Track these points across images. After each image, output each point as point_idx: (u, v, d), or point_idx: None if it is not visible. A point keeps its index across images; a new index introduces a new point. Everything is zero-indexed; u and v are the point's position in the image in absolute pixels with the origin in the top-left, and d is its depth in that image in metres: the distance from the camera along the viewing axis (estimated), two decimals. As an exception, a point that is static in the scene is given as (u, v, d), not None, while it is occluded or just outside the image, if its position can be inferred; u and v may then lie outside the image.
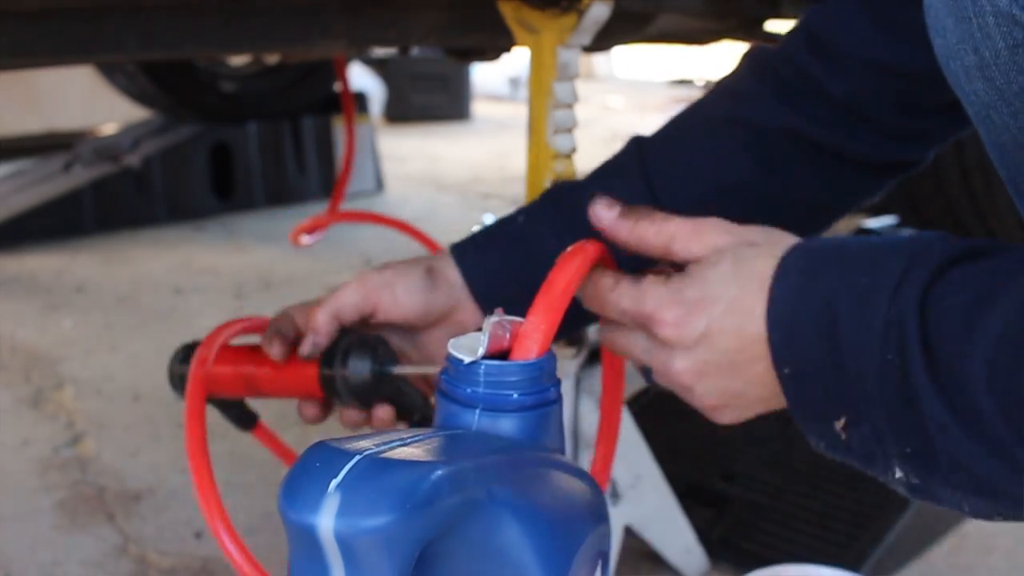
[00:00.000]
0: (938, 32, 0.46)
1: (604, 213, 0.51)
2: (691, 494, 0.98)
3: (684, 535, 0.91)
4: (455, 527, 0.38)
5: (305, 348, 0.60)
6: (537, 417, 0.44)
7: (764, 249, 0.47)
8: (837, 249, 0.46)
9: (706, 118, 0.65)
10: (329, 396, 0.62)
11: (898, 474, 0.44)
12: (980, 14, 0.43)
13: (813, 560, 0.85)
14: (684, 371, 0.48)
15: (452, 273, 0.62)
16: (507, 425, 0.43)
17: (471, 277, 0.62)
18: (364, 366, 0.59)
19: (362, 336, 0.60)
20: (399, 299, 0.60)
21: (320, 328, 0.59)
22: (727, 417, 0.50)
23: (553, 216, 0.64)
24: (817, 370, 0.44)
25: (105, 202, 2.34)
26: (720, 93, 0.65)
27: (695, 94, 5.50)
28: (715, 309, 0.46)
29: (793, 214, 0.62)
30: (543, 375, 0.45)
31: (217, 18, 0.90)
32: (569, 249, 0.50)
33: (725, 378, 0.47)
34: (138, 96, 2.51)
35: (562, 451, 0.47)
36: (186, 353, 0.71)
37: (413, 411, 0.62)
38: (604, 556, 0.46)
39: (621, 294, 0.49)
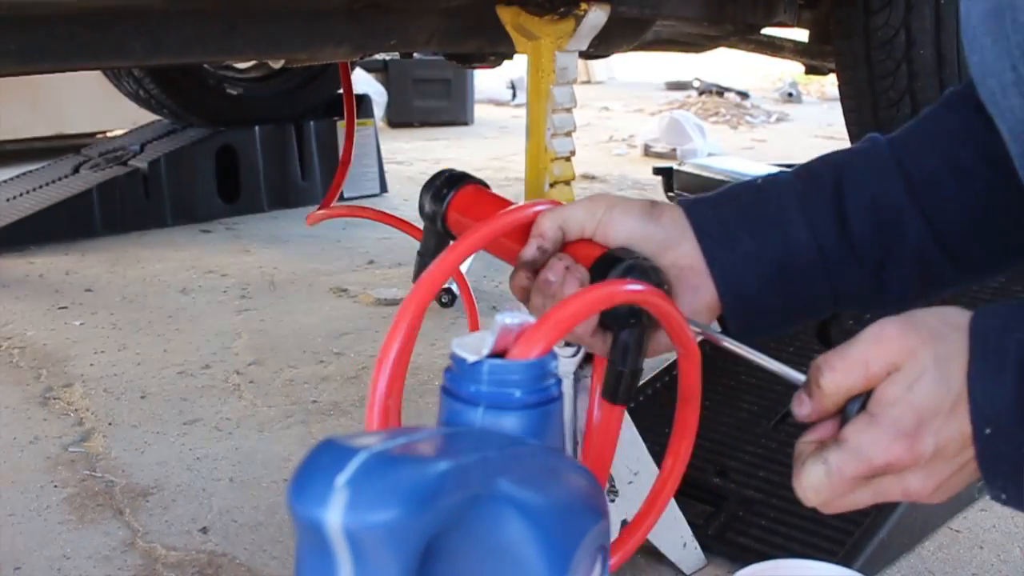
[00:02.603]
0: (975, 50, 0.47)
1: (802, 411, 0.50)
2: (687, 490, 0.99)
3: (680, 530, 0.92)
4: (459, 522, 0.39)
5: (529, 251, 0.59)
6: (539, 415, 0.45)
7: (957, 336, 0.47)
8: (1020, 305, 0.46)
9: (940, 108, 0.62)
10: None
11: None
12: (1018, 31, 0.44)
13: (807, 555, 0.86)
14: (922, 489, 0.48)
15: (675, 210, 0.61)
16: (510, 422, 0.44)
17: (693, 213, 0.60)
18: (630, 351, 0.56)
19: (636, 263, 0.57)
20: (622, 220, 0.59)
21: (546, 233, 0.59)
22: (937, 499, 0.50)
23: (793, 183, 0.61)
24: (1017, 422, 0.44)
25: (113, 204, 2.36)
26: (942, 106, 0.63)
27: (692, 97, 5.48)
28: (936, 424, 0.46)
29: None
30: (545, 374, 0.46)
31: (223, 24, 0.92)
32: (615, 282, 0.53)
33: (955, 478, 0.48)
34: (145, 100, 2.53)
35: (563, 448, 0.48)
36: (441, 189, 0.70)
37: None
38: (604, 551, 0.47)
39: (842, 468, 0.47)
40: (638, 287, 0.54)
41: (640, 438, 0.89)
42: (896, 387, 0.46)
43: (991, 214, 0.59)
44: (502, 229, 0.61)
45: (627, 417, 0.90)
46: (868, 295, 0.59)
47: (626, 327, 0.57)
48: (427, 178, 0.74)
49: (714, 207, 0.61)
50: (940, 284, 0.62)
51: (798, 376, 0.52)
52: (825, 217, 0.59)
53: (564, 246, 0.60)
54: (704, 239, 0.59)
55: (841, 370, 0.48)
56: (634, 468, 0.88)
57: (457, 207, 0.69)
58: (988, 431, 0.45)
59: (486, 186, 0.72)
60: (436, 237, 0.72)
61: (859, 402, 0.48)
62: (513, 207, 0.63)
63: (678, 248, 0.59)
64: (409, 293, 0.53)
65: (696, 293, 0.60)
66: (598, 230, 0.59)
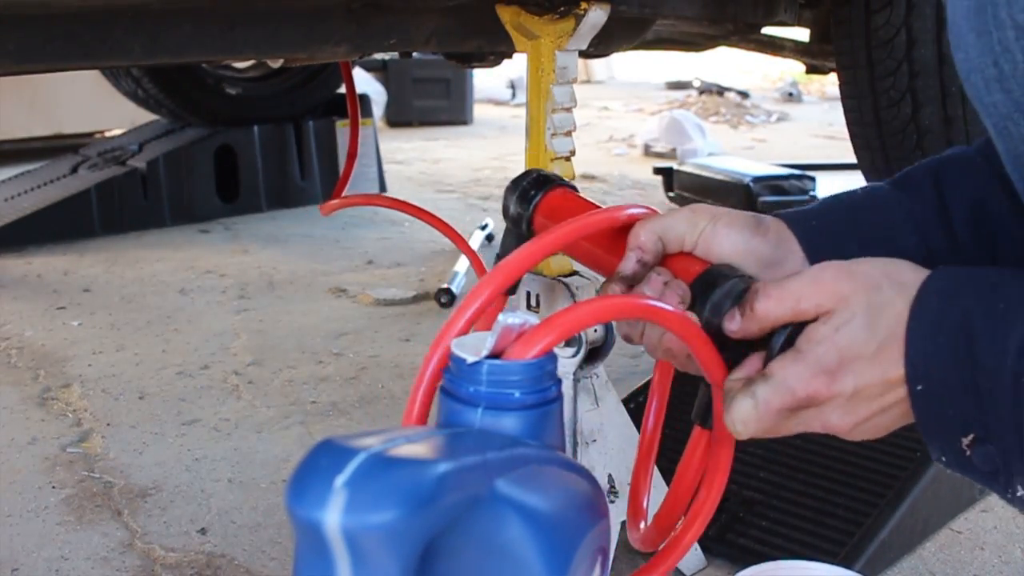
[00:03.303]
0: (960, 47, 0.48)
1: (732, 326, 0.52)
2: (687, 491, 0.99)
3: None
4: (458, 523, 0.39)
5: (628, 265, 0.56)
6: (538, 415, 0.45)
7: (893, 290, 0.48)
8: (976, 274, 0.47)
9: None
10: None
11: (1020, 492, 0.46)
12: (1000, 27, 0.45)
13: (808, 556, 0.86)
14: (840, 424, 0.50)
15: (779, 224, 0.60)
16: (509, 423, 0.44)
17: (797, 226, 0.59)
18: (725, 308, 0.53)
19: (741, 282, 0.54)
20: (726, 234, 0.56)
21: (645, 245, 0.56)
22: (857, 436, 0.51)
23: (894, 190, 0.61)
24: (949, 387, 0.46)
25: (111, 204, 2.36)
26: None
27: (692, 97, 5.48)
28: (858, 366, 0.48)
29: None
30: (545, 375, 0.45)
31: (221, 24, 0.92)
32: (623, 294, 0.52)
33: (877, 419, 0.50)
34: (144, 100, 2.53)
35: (563, 448, 0.48)
36: (528, 190, 0.65)
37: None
38: (604, 552, 0.47)
39: (769, 400, 0.49)
40: (664, 306, 0.51)
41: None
42: (824, 328, 0.49)
43: None
44: (591, 228, 0.57)
45: (627, 417, 0.90)
46: None
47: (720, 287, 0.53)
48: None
49: (819, 220, 0.60)
50: None
51: None
52: (932, 223, 0.59)
53: (663, 260, 0.57)
54: (811, 251, 0.58)
55: (775, 299, 0.50)
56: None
57: (544, 211, 0.65)
58: (919, 387, 0.47)
59: (576, 190, 0.68)
60: (519, 241, 0.66)
61: (783, 335, 0.51)
62: (605, 208, 0.59)
63: (785, 264, 0.58)
64: (483, 279, 0.51)
65: None
66: (699, 243, 0.57)
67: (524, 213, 0.66)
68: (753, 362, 0.52)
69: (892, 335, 0.48)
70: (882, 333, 0.48)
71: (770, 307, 0.50)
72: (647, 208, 0.60)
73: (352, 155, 1.70)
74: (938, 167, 0.61)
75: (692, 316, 0.53)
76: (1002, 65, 0.45)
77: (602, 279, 0.60)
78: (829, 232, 0.59)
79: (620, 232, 0.59)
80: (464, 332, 0.49)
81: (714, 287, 0.53)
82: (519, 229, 0.66)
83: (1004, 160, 0.50)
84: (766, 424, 0.50)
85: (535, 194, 0.66)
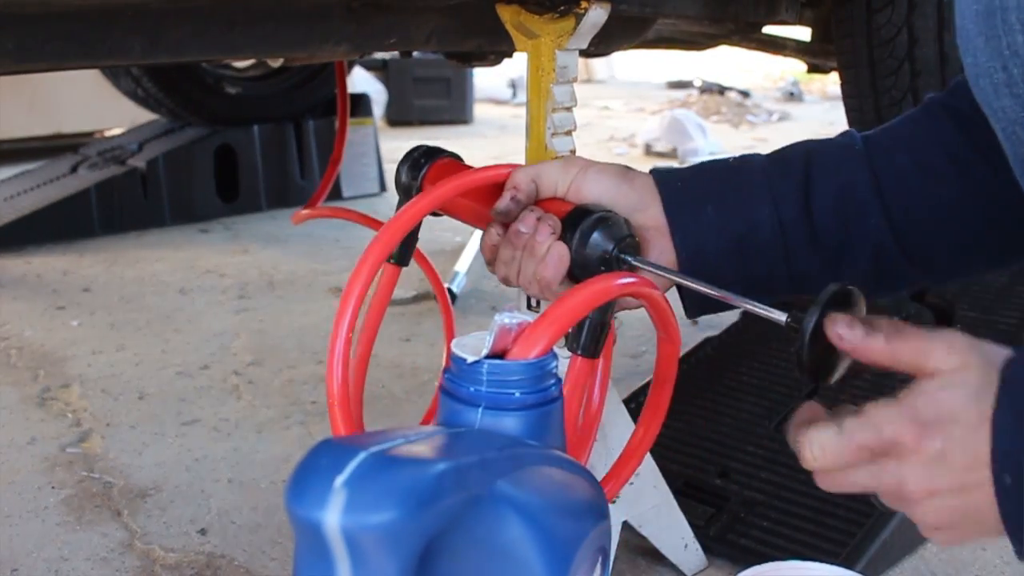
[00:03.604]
0: (968, 52, 0.48)
1: (848, 333, 0.50)
2: (688, 491, 0.99)
3: (681, 531, 0.92)
4: (459, 523, 0.39)
5: (502, 203, 0.61)
6: (538, 415, 0.45)
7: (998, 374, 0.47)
8: None
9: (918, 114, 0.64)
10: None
11: None
12: (1010, 32, 0.45)
13: (809, 556, 0.86)
14: (917, 488, 0.47)
15: (646, 177, 0.65)
16: (509, 423, 0.44)
17: (662, 181, 0.64)
18: (603, 245, 0.58)
19: (609, 216, 0.60)
20: (596, 180, 0.61)
21: (520, 185, 0.61)
22: (945, 540, 0.50)
23: (764, 163, 0.64)
24: None
25: (111, 204, 2.36)
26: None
27: (693, 96, 5.48)
28: (952, 429, 0.46)
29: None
30: (544, 374, 0.45)
31: (221, 23, 0.91)
32: (606, 275, 0.54)
33: (953, 498, 0.47)
34: (143, 99, 2.53)
35: (563, 448, 0.48)
36: (419, 160, 0.71)
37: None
38: (604, 552, 0.47)
39: (853, 432, 0.48)
40: (630, 280, 0.54)
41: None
42: (933, 384, 0.47)
43: (955, 217, 0.60)
44: (470, 184, 0.62)
45: (627, 417, 0.90)
46: (824, 281, 0.60)
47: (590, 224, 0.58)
48: None
49: (684, 178, 0.64)
50: (895, 280, 0.64)
51: (779, 316, 0.54)
52: (790, 199, 0.61)
53: (536, 202, 0.62)
54: (670, 205, 0.62)
55: (908, 340, 0.49)
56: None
57: (433, 178, 0.70)
58: (1008, 480, 0.45)
59: (461, 160, 0.73)
60: None
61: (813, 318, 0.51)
62: (485, 167, 0.64)
63: (646, 211, 0.62)
64: (366, 248, 0.54)
65: (659, 256, 0.63)
66: (571, 188, 0.62)
67: (414, 182, 0.71)
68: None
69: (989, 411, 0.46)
70: (984, 404, 0.46)
71: (897, 347, 0.48)
72: (518, 165, 0.65)
73: (335, 160, 1.70)
74: (815, 149, 0.63)
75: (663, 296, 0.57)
76: (1011, 69, 0.45)
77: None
78: (690, 193, 0.63)
79: (499, 188, 0.63)
80: (361, 296, 0.53)
81: (582, 218, 0.58)
82: (409, 196, 0.71)
83: (1012, 163, 0.50)
84: (844, 457, 0.48)
85: (425, 162, 0.71)
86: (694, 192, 0.63)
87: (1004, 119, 0.47)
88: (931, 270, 0.63)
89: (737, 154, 0.66)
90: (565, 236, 0.59)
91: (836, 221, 0.60)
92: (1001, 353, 0.47)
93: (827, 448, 0.48)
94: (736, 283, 0.62)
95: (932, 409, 0.46)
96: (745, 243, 0.61)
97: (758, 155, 0.65)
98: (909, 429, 0.46)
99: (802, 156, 0.62)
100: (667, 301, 0.58)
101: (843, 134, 0.65)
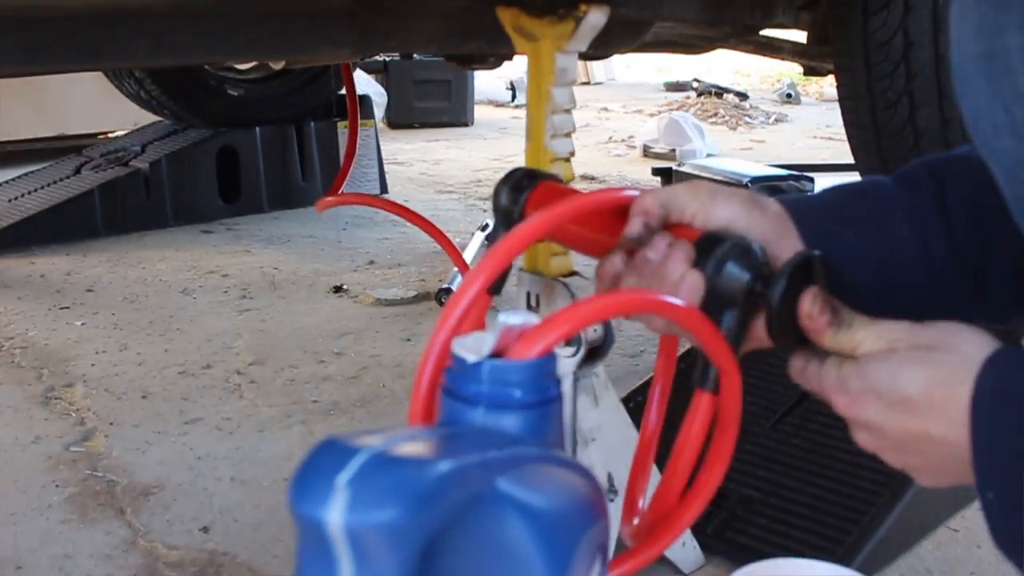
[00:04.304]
0: (967, 94, 0.48)
1: (819, 316, 0.52)
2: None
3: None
4: (460, 521, 0.39)
5: (633, 228, 0.57)
6: (539, 415, 0.45)
7: (947, 358, 0.48)
8: None
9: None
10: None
11: None
12: (1012, 74, 0.44)
13: (806, 554, 0.87)
14: (863, 442, 0.51)
15: (777, 205, 0.60)
16: (510, 422, 0.45)
17: (795, 209, 0.60)
18: (740, 276, 0.54)
19: (745, 243, 0.55)
20: (726, 206, 0.57)
21: (650, 210, 0.57)
22: (923, 480, 0.52)
23: (893, 184, 0.62)
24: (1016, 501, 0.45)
25: (114, 205, 2.37)
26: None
27: (691, 98, 5.46)
28: (879, 404, 0.49)
29: None
30: (545, 374, 0.46)
31: (224, 26, 0.92)
32: (614, 292, 0.53)
33: (902, 454, 0.51)
34: (147, 101, 2.54)
35: (563, 448, 0.49)
36: (521, 180, 0.66)
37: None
38: (603, 550, 0.48)
39: (808, 375, 0.53)
40: (668, 299, 0.51)
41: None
42: (869, 360, 0.50)
43: None
44: (583, 208, 0.57)
45: (627, 417, 0.91)
46: (969, 301, 0.60)
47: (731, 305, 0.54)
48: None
49: (817, 205, 0.61)
50: None
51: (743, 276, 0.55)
52: (929, 218, 0.59)
53: (665, 228, 0.58)
54: (807, 234, 0.59)
55: (875, 330, 0.51)
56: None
57: (538, 202, 0.65)
58: (990, 495, 0.46)
59: (562, 181, 0.69)
60: None
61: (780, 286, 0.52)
62: (597, 190, 0.60)
63: (780, 242, 0.58)
64: (475, 267, 0.50)
65: None
66: (699, 214, 0.57)
67: (516, 205, 0.66)
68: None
69: (945, 389, 0.48)
70: (938, 389, 0.48)
71: (843, 340, 0.51)
72: (638, 188, 0.60)
73: (351, 154, 1.71)
74: (940, 164, 0.61)
75: (696, 309, 0.53)
76: (1014, 111, 0.45)
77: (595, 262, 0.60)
78: (826, 217, 0.59)
79: (613, 214, 0.59)
80: (459, 323, 0.49)
81: (717, 244, 0.54)
82: (510, 221, 0.66)
83: (1012, 207, 0.49)
84: (808, 385, 0.52)
85: (527, 185, 0.66)
86: (830, 219, 0.60)
87: (1005, 161, 0.47)
88: None
89: (863, 179, 0.64)
90: (699, 263, 0.55)
91: (975, 237, 0.59)
92: (928, 334, 0.49)
93: (797, 375, 0.54)
94: (878, 310, 0.59)
95: (858, 382, 0.49)
96: (888, 267, 0.59)
97: (882, 177, 0.63)
98: (840, 394, 0.51)
99: (930, 173, 0.61)
100: (715, 328, 0.54)
101: (959, 149, 0.63)
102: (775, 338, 0.54)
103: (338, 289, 1.92)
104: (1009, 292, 0.59)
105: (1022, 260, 0.58)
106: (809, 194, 0.64)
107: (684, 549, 0.93)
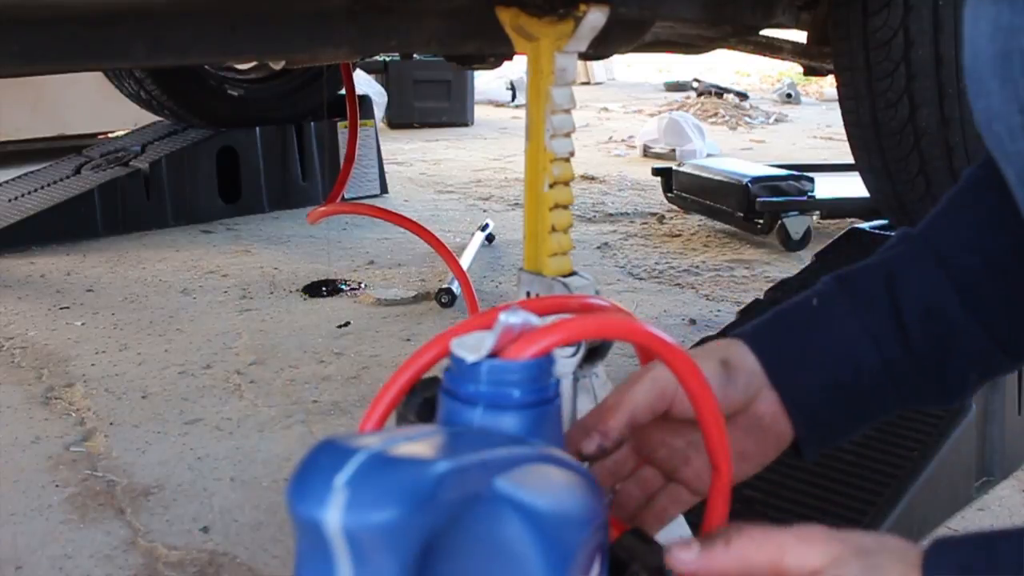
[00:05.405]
0: (981, 95, 0.47)
1: (685, 556, 0.46)
2: (686, 489, 0.99)
3: (680, 529, 0.93)
4: (458, 521, 0.39)
5: (590, 447, 0.53)
6: (538, 415, 0.45)
7: (888, 557, 0.45)
8: (983, 550, 0.44)
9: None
10: None
11: None
12: None
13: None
14: None
15: (749, 361, 0.57)
16: (508, 422, 0.44)
17: (770, 364, 0.57)
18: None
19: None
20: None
21: (610, 433, 0.53)
22: None
23: (848, 300, 0.60)
24: None
25: (114, 205, 2.37)
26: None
27: (691, 98, 5.46)
28: None
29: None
30: (544, 374, 0.46)
31: (224, 26, 0.92)
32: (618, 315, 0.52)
33: None
34: (146, 101, 2.54)
35: (562, 447, 0.48)
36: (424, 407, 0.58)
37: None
38: (603, 549, 0.47)
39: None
40: (664, 337, 0.49)
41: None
42: None
43: None
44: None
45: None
46: (932, 397, 0.60)
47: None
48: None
49: (777, 339, 0.59)
50: (996, 374, 0.61)
51: None
52: (887, 334, 0.58)
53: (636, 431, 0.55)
54: (774, 375, 0.57)
55: (757, 541, 0.46)
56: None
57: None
58: None
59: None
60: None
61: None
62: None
63: (757, 403, 0.57)
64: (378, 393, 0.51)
65: (770, 435, 0.58)
66: (673, 409, 0.55)
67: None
68: None
69: None
70: None
71: (748, 549, 0.45)
72: (592, 306, 0.56)
73: (350, 158, 1.72)
74: (890, 272, 0.60)
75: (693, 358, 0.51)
76: None
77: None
78: (788, 359, 0.58)
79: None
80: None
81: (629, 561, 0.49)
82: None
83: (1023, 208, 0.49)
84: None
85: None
86: (795, 358, 0.58)
87: (1019, 164, 0.47)
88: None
89: (811, 292, 0.61)
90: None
91: (932, 341, 0.58)
92: (858, 535, 0.46)
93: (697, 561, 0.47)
94: (850, 429, 0.59)
95: None
96: (855, 390, 0.58)
97: (830, 291, 0.60)
98: None
99: (882, 284, 0.59)
100: (705, 381, 0.50)
101: (904, 239, 0.61)
102: None
103: (328, 288, 1.92)
104: (968, 385, 0.59)
105: (981, 353, 0.58)
106: (768, 324, 0.60)
107: (684, 549, 0.93)
